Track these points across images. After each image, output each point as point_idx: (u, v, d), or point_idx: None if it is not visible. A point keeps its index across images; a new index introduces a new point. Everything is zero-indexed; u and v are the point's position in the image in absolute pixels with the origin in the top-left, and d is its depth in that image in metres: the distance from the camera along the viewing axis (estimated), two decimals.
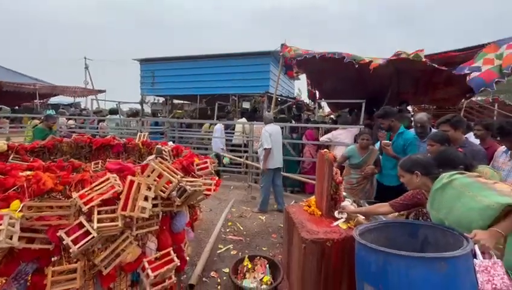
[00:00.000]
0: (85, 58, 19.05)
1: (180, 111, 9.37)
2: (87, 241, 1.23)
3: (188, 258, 2.73)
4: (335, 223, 2.19)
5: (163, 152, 2.56)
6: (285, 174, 5.02)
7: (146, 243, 1.62)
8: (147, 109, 10.45)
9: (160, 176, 1.56)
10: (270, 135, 4.03)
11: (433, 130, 2.72)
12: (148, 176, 1.53)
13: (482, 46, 3.59)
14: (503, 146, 2.23)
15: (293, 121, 6.34)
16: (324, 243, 2.01)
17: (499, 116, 10.58)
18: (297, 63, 4.91)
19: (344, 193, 3.24)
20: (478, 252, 1.31)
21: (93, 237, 1.24)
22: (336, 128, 4.74)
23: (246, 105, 7.58)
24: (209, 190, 1.88)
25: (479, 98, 10.53)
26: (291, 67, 5.20)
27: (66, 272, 1.29)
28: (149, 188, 1.48)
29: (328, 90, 6.61)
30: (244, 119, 6.38)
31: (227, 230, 3.59)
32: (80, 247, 1.20)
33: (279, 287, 2.33)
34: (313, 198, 2.65)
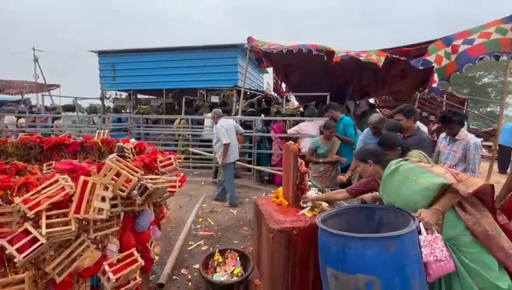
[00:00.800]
0: (33, 49, 17.21)
1: (145, 106, 8.92)
2: (35, 249, 1.14)
3: (156, 257, 2.67)
4: (301, 212, 2.27)
5: (125, 150, 2.44)
6: (255, 167, 5.08)
7: (106, 245, 1.54)
8: (110, 105, 9.80)
9: (118, 174, 1.48)
10: (226, 130, 4.05)
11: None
12: (105, 175, 1.45)
13: (431, 42, 3.91)
14: (444, 132, 2.53)
15: (262, 115, 6.40)
16: (291, 231, 2.08)
17: (448, 106, 11.73)
18: (264, 55, 4.92)
19: (313, 182, 3.40)
20: (423, 229, 1.46)
21: (42, 243, 1.15)
22: (302, 121, 4.88)
23: (215, 99, 7.45)
24: (174, 186, 1.84)
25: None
26: (262, 60, 5.21)
27: (13, 284, 1.18)
28: (106, 188, 1.40)
29: (295, 83, 6.75)
30: (210, 114, 6.28)
31: (198, 226, 3.56)
32: (26, 256, 1.10)
33: (250, 278, 2.37)
34: (280, 189, 2.71)
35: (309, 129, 4.52)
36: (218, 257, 2.51)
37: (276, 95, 7.46)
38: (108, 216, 1.40)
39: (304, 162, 2.42)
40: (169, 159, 2.02)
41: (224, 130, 4.05)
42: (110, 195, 1.39)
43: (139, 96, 9.85)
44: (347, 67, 5.71)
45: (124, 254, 1.55)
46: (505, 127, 7.59)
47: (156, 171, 1.96)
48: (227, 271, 2.36)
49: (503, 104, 3.80)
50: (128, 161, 1.84)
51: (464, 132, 2.53)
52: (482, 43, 3.27)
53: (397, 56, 4.02)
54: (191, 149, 5.72)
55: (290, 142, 2.51)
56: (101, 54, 8.67)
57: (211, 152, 5.41)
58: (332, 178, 3.34)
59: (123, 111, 9.22)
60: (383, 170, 1.71)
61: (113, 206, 1.49)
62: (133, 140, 2.73)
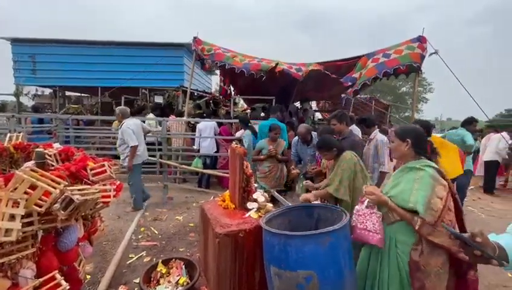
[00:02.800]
0: None
1: (76, 106, 7.87)
2: None
3: (88, 277, 2.39)
4: (247, 214, 2.30)
5: (47, 156, 2.11)
6: (202, 170, 4.96)
7: (18, 271, 1.30)
8: (32, 102, 8.35)
9: (34, 187, 1.27)
10: (133, 132, 3.80)
11: (314, 133, 3.31)
12: (15, 188, 1.22)
13: (359, 57, 4.47)
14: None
15: (211, 116, 6.29)
16: (237, 234, 2.08)
17: (375, 111, 13.44)
18: (209, 57, 4.88)
19: (260, 183, 3.49)
20: (365, 203, 1.60)
21: None
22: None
23: (159, 99, 7.03)
24: (108, 196, 1.67)
25: (363, 96, 12.95)
26: (205, 61, 5.14)
27: None
28: (16, 204, 1.18)
29: (242, 86, 6.84)
30: (152, 115, 5.92)
31: (140, 237, 3.30)
32: None
33: (197, 286, 2.30)
34: (227, 192, 2.70)
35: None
36: (161, 267, 2.36)
37: (221, 97, 7.43)
38: (19, 237, 1.18)
39: (249, 164, 2.46)
40: (102, 166, 1.83)
41: (131, 132, 3.76)
42: (22, 212, 1.18)
43: (68, 93, 8.66)
44: (290, 76, 6.07)
45: (42, 279, 1.33)
46: None
47: (86, 180, 1.75)
48: (171, 282, 2.24)
49: (414, 109, 4.55)
50: (49, 170, 1.60)
51: (376, 133, 3.10)
52: (396, 58, 3.98)
53: (328, 73, 4.46)
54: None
55: (236, 145, 2.53)
56: (16, 41, 7.35)
57: (154, 156, 5.08)
58: (277, 178, 3.48)
59: (46, 111, 7.97)
60: (413, 159, 1.61)
61: (28, 224, 1.27)
62: (57, 144, 2.37)
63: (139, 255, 2.87)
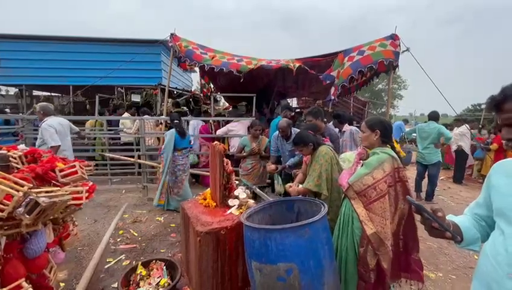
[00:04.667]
0: None
1: None
2: None
3: (61, 284, 2.27)
4: (228, 211, 2.29)
5: (11, 159, 1.96)
6: None
7: None
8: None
9: None
10: (56, 131, 3.37)
11: (295, 129, 3.30)
12: None
13: (336, 54, 4.57)
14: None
15: (190, 115, 6.18)
16: (218, 232, 2.07)
17: (354, 108, 13.87)
18: (187, 55, 4.76)
19: (243, 180, 3.48)
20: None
21: None
22: (230, 121, 4.94)
23: (136, 98, 6.78)
24: (79, 198, 1.58)
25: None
26: (183, 60, 5.02)
27: None
28: None
29: (222, 84, 6.77)
30: (127, 114, 5.71)
31: (119, 240, 3.18)
32: None
33: (178, 286, 2.26)
34: (208, 190, 2.67)
35: (237, 129, 4.61)
36: (141, 270, 2.29)
37: (202, 95, 7.33)
38: None
39: (230, 161, 2.44)
40: (73, 166, 1.73)
41: (53, 131, 3.34)
42: None
43: (36, 93, 8.14)
44: (271, 71, 6.08)
45: (6, 289, 1.25)
46: (395, 125, 9.45)
47: (54, 182, 1.65)
48: (151, 284, 2.18)
49: (388, 105, 4.73)
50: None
51: (346, 126, 3.55)
52: (369, 54, 4.13)
53: (307, 68, 4.52)
54: (108, 154, 5.05)
55: (216, 142, 2.50)
56: None
57: (133, 156, 4.91)
58: (260, 175, 3.49)
59: (19, 112, 7.43)
60: (379, 147, 1.77)
61: None
62: (22, 146, 2.22)
63: (118, 258, 2.76)
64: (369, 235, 1.55)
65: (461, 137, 6.37)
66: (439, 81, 4.53)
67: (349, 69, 4.12)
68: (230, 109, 9.12)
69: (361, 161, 1.80)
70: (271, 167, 3.14)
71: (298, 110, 11.49)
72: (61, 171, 1.70)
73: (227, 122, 5.12)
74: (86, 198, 1.66)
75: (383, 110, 28.50)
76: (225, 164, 2.38)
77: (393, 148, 1.81)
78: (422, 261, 2.73)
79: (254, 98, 5.44)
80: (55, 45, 7.03)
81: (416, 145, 5.35)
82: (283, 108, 3.98)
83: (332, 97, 4.14)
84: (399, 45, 4.29)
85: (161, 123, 5.34)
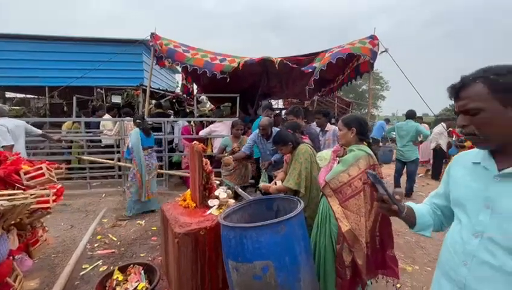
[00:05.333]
0: None
1: (18, 107, 7.06)
2: None
3: None
4: (208, 212, 2.26)
5: None
6: (165, 171, 4.79)
7: None
8: None
9: None
10: (8, 130, 3.32)
11: (275, 128, 3.26)
12: None
13: (318, 53, 4.67)
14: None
15: (172, 116, 6.08)
16: (197, 233, 2.03)
17: (338, 108, 14.15)
18: (168, 54, 4.67)
19: (225, 181, 3.44)
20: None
21: None
22: (213, 122, 4.90)
23: (117, 99, 6.59)
24: (46, 202, 1.51)
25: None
26: (162, 57, 4.90)
27: None
28: None
29: (205, 84, 6.71)
30: (108, 116, 5.55)
31: (96, 245, 3.06)
32: None
33: (157, 289, 2.20)
34: (188, 191, 2.63)
35: (219, 130, 4.58)
36: (117, 275, 2.21)
37: (185, 96, 7.23)
38: None
39: (209, 161, 2.41)
40: (39, 169, 1.65)
41: (5, 130, 3.28)
42: None
43: (9, 94, 7.75)
44: (255, 71, 6.08)
45: None
46: (376, 124, 9.70)
47: (19, 185, 1.57)
48: (128, 289, 2.11)
49: (369, 105, 4.85)
50: None
51: (329, 125, 3.57)
52: (349, 47, 4.28)
53: (290, 64, 4.57)
54: (86, 157, 4.88)
55: (195, 142, 2.47)
56: None
57: (113, 159, 4.77)
58: (243, 175, 3.47)
59: None
60: (356, 144, 1.79)
61: None
62: None
63: (94, 264, 2.66)
64: (344, 232, 1.57)
65: (440, 136, 6.63)
66: (421, 81, 4.75)
67: (328, 58, 4.24)
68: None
69: (337, 158, 1.82)
70: (226, 158, 3.02)
71: (284, 111, 11.61)
72: (26, 173, 1.62)
73: (212, 122, 5.08)
74: (54, 201, 1.59)
75: (366, 110, 29.24)
76: (204, 164, 2.35)
77: (369, 145, 1.84)
78: (401, 255, 2.83)
79: (238, 98, 5.42)
80: (29, 44, 6.72)
81: (396, 144, 5.53)
82: (264, 107, 3.98)
83: (308, 86, 4.22)
84: (377, 45, 4.42)
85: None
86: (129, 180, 3.93)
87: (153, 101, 7.08)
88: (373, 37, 4.52)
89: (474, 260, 0.79)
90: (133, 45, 6.71)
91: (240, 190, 2.81)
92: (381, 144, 9.53)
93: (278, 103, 12.68)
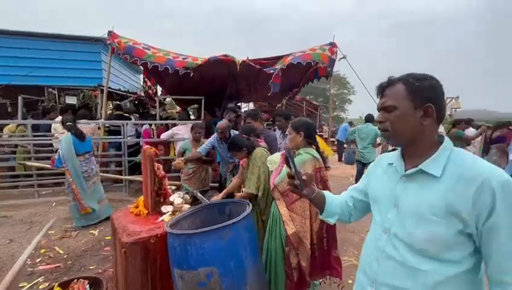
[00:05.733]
0: None
1: None
2: None
3: None
4: (160, 219, 2.17)
5: None
6: (124, 177, 4.55)
7: None
8: None
9: None
10: None
11: (234, 131, 3.25)
12: None
13: (280, 57, 4.78)
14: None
15: (133, 118, 5.81)
16: (147, 241, 1.94)
17: (306, 111, 14.60)
18: (127, 51, 4.41)
19: (185, 185, 3.34)
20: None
21: None
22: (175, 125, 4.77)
23: (72, 100, 6.10)
24: None
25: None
26: (122, 56, 4.62)
27: None
28: None
29: (170, 86, 6.51)
30: (59, 118, 5.13)
31: (39, 260, 2.80)
32: None
33: None
34: (141, 198, 2.51)
35: (182, 132, 4.46)
36: None
37: (147, 98, 6.97)
38: None
39: (161, 166, 2.33)
40: None
41: None
42: None
43: None
44: (222, 73, 6.04)
45: None
46: (340, 127, 10.15)
47: None
48: None
49: (330, 108, 5.06)
50: None
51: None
52: (309, 53, 4.45)
53: (252, 65, 4.63)
54: (31, 163, 4.45)
55: (147, 146, 2.37)
56: None
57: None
58: (202, 179, 3.40)
59: None
60: (304, 147, 1.84)
61: None
62: None
63: (34, 282, 2.42)
64: (289, 235, 1.60)
65: None
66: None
67: (289, 60, 4.37)
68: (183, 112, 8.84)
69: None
70: (177, 162, 2.94)
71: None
72: None
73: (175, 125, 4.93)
74: None
75: (334, 113, 30.61)
76: (156, 169, 2.26)
77: (317, 148, 1.90)
78: (354, 252, 2.96)
79: (202, 100, 5.34)
80: None
81: (357, 146, 5.82)
82: (227, 110, 3.95)
83: (271, 84, 4.27)
84: (336, 52, 4.64)
85: (99, 128, 4.90)
86: (66, 190, 3.62)
87: (113, 103, 6.70)
88: (332, 44, 4.74)
89: (383, 255, 0.84)
90: (90, 42, 6.33)
91: (199, 194, 2.74)
92: (345, 145, 10.00)
93: (248, 106, 12.75)
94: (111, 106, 6.98)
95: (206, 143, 3.21)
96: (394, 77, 0.87)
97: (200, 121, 3.79)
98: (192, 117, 7.28)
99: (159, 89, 6.86)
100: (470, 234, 0.74)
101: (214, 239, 1.44)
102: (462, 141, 4.82)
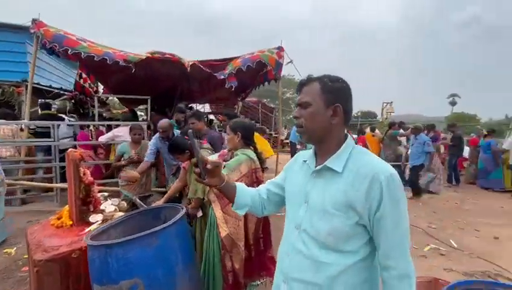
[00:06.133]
0: None
1: None
2: None
3: None
4: (87, 229, 1.95)
5: None
6: (55, 185, 4.03)
7: None
8: None
9: None
10: None
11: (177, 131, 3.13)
12: None
13: (231, 58, 4.78)
14: None
15: (68, 119, 5.20)
16: (67, 256, 1.72)
17: (262, 114, 14.90)
18: (55, 40, 3.86)
19: (124, 192, 3.08)
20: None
21: None
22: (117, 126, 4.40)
23: None
24: None
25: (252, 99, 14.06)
26: (49, 46, 4.00)
27: None
28: None
29: (114, 85, 6.01)
30: None
31: None
32: None
33: None
34: (66, 207, 2.23)
35: (123, 134, 4.12)
36: None
37: (84, 96, 6.33)
38: None
39: (88, 171, 2.10)
40: None
41: None
42: None
43: None
44: (173, 73, 5.78)
45: None
46: (293, 129, 10.58)
47: None
48: None
49: (280, 113, 5.24)
50: None
51: None
52: (258, 54, 4.60)
53: (202, 67, 4.54)
54: None
55: (71, 149, 2.12)
56: None
57: None
58: (143, 184, 3.16)
59: None
60: (241, 148, 1.83)
61: None
62: None
63: None
64: (222, 237, 1.57)
65: None
66: None
67: (238, 63, 4.39)
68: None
69: (223, 163, 1.83)
70: (133, 175, 2.79)
71: (211, 114, 11.48)
72: None
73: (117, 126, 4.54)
74: None
75: (290, 116, 31.87)
76: (82, 174, 2.03)
77: (255, 149, 1.92)
78: None
79: (149, 100, 5.04)
80: None
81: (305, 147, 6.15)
82: (175, 111, 3.77)
83: (228, 83, 4.24)
84: (283, 56, 4.81)
85: (22, 129, 4.26)
86: None
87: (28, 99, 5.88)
88: (280, 48, 4.90)
89: (294, 250, 0.86)
90: (13, 31, 5.52)
91: (138, 200, 2.55)
92: (299, 146, 10.46)
93: (204, 107, 12.48)
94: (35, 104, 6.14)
95: (150, 147, 3.01)
96: (313, 76, 0.91)
97: (140, 122, 3.53)
98: (144, 118, 6.82)
99: (101, 87, 6.28)
100: (364, 225, 0.79)
101: (140, 248, 1.33)
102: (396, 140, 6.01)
